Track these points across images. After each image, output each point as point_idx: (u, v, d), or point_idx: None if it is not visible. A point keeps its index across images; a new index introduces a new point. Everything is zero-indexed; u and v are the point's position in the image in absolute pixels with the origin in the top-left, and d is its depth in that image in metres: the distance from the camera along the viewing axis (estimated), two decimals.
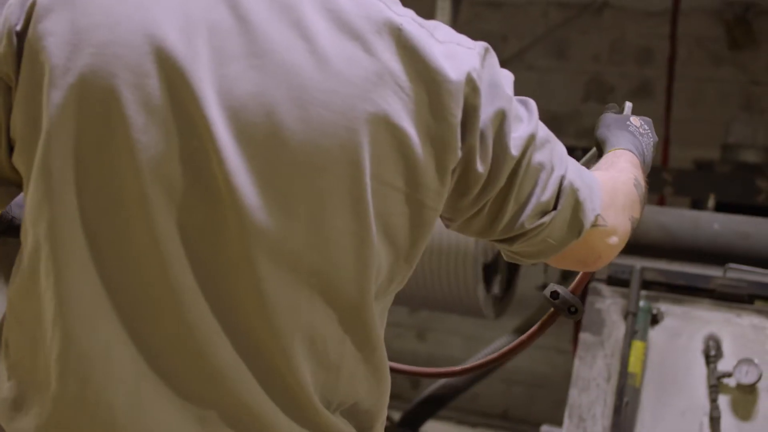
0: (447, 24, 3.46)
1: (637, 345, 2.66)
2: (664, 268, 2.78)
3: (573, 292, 1.50)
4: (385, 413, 1.31)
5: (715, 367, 2.59)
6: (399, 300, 3.26)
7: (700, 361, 2.65)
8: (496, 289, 3.09)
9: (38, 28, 1.08)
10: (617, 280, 2.78)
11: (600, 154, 1.51)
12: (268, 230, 1.06)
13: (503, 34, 5.13)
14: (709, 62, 4.77)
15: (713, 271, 2.78)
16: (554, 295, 1.48)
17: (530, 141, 1.18)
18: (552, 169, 1.21)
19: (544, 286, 3.61)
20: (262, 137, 1.05)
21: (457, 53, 1.12)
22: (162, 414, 1.09)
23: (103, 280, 1.07)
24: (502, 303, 3.22)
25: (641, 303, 2.70)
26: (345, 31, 1.08)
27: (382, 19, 1.09)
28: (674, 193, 3.72)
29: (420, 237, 1.16)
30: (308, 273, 1.09)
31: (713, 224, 2.97)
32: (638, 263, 2.80)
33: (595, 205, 1.27)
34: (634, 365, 2.64)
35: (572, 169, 1.26)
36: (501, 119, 1.14)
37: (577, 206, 1.24)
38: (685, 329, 2.71)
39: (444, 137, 1.10)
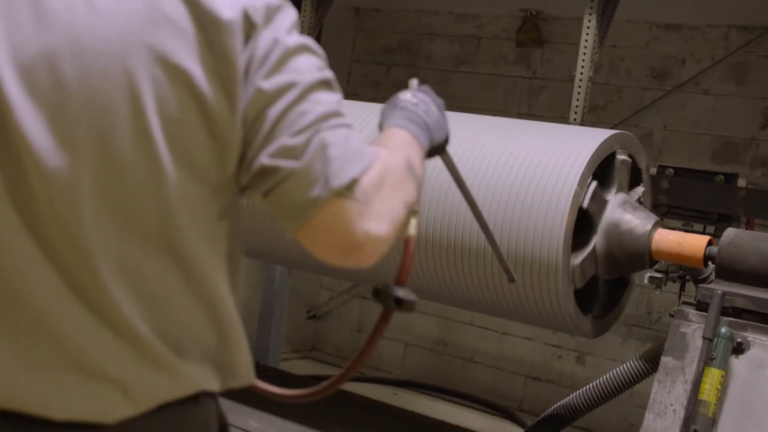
0: (591, 42, 3.45)
1: (712, 372, 2.56)
2: (754, 295, 2.65)
3: (398, 282, 1.38)
4: (242, 357, 1.36)
5: None
6: (540, 319, 3.20)
7: None
8: (594, 308, 3.05)
9: None
10: (706, 306, 2.69)
11: None
12: (61, 170, 1.19)
13: (681, 57, 5.00)
14: None
15: None
16: (375, 291, 1.37)
17: (291, 87, 1.24)
18: (312, 122, 1.24)
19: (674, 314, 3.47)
20: (48, 88, 1.19)
21: None
22: None
23: None
24: (603, 322, 3.16)
25: (723, 329, 2.60)
26: None
27: None
28: None
29: (226, 166, 1.25)
30: (110, 208, 1.21)
31: None
32: (733, 289, 2.69)
33: (352, 169, 1.24)
34: (708, 393, 2.55)
35: (341, 133, 1.25)
36: (279, 59, 1.24)
37: (326, 162, 1.23)
38: None
39: (226, 71, 1.21)
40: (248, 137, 1.25)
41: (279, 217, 1.28)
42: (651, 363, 3.20)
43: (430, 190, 3.00)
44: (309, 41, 1.29)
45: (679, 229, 3.35)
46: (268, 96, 1.23)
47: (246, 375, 1.38)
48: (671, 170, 3.72)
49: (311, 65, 1.27)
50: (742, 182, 3.68)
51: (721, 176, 3.64)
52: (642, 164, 3.21)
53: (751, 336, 2.62)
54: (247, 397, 1.49)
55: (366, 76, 6.17)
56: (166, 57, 1.20)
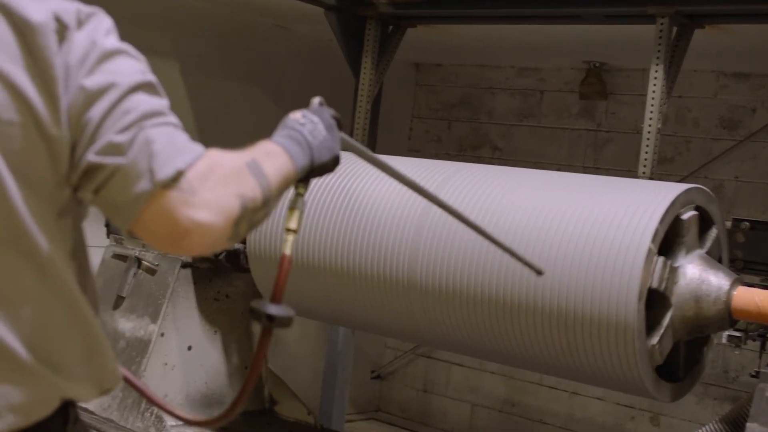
0: (659, 94, 3.36)
1: None
2: None
3: (273, 299, 1.40)
4: (108, 353, 1.40)
5: None
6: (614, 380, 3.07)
7: None
8: (677, 373, 2.91)
9: None
10: None
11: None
12: None
13: (751, 106, 4.86)
14: None
15: None
16: (250, 310, 1.40)
17: (112, 87, 1.27)
18: (136, 120, 1.27)
19: (757, 374, 3.34)
20: None
21: (50, 3, 1.28)
22: None
23: None
24: (681, 385, 3.02)
25: None
26: None
27: None
28: None
29: (60, 165, 1.28)
30: None
31: None
32: None
33: (177, 162, 1.27)
34: None
35: (166, 130, 1.29)
36: (97, 60, 1.28)
37: (151, 156, 1.26)
38: None
39: (46, 71, 1.25)
40: (75, 136, 1.28)
41: (111, 215, 1.32)
42: (733, 426, 3.05)
43: (483, 245, 2.91)
44: (128, 47, 1.34)
45: (757, 285, 3.21)
46: (90, 94, 1.27)
47: (115, 373, 1.42)
48: (747, 224, 3.58)
49: (132, 68, 1.32)
50: None
51: None
52: (717, 219, 3.09)
53: None
54: None
55: (427, 131, 6.13)
56: None
